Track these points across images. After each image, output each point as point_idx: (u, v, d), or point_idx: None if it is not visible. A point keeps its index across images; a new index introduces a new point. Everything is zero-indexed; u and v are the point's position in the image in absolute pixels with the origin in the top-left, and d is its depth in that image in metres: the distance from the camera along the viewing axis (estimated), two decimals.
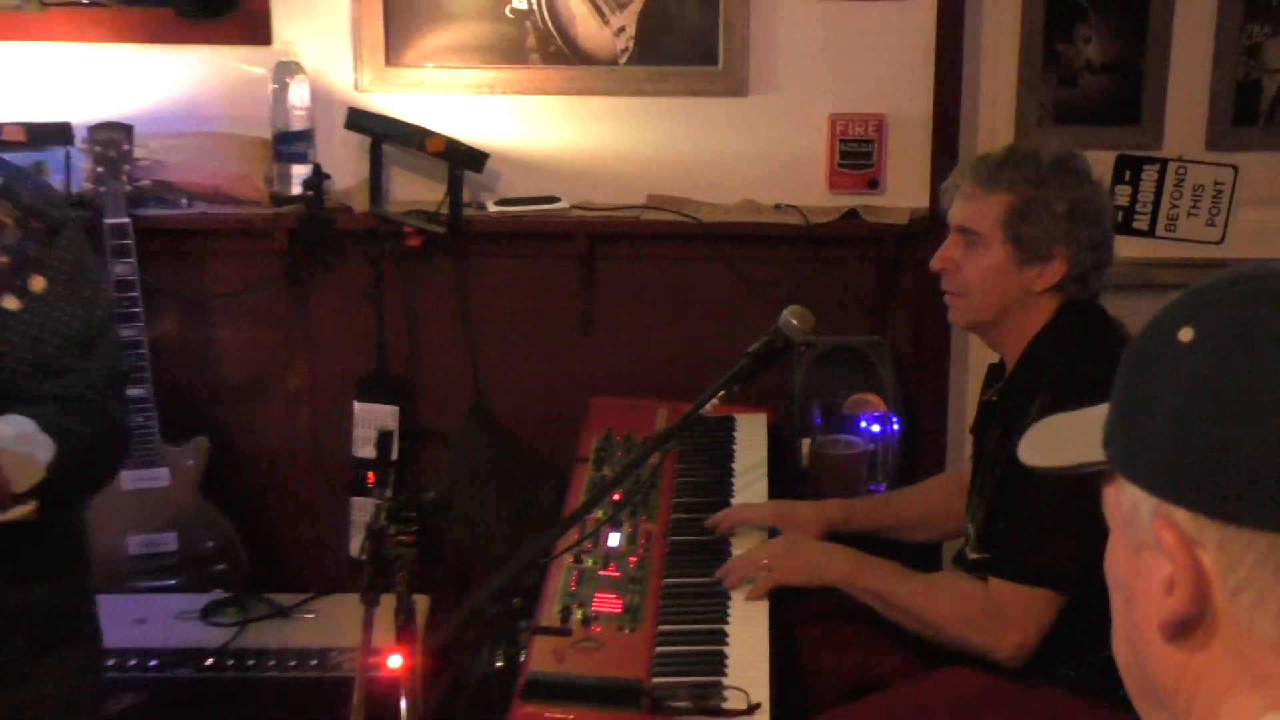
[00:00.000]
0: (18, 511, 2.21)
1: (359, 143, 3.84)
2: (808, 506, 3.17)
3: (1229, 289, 1.09)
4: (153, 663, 3.45)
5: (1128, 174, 3.73)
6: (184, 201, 3.90)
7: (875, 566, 2.78)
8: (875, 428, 3.66)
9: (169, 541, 3.81)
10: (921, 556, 3.43)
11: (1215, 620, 1.05)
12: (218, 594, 3.71)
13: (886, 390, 3.73)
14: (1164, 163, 3.76)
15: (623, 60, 3.80)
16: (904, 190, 3.80)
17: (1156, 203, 3.76)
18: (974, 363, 3.81)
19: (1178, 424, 1.06)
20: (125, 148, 3.69)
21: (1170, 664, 1.09)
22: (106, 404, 2.39)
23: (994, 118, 3.79)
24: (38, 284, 1.92)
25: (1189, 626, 1.07)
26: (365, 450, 3.92)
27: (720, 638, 2.66)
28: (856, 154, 3.78)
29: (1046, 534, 2.47)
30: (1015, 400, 2.62)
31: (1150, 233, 3.74)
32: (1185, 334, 1.07)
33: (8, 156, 3.48)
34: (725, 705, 2.41)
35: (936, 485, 3.32)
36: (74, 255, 2.36)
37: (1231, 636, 1.04)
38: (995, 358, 2.96)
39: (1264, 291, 1.07)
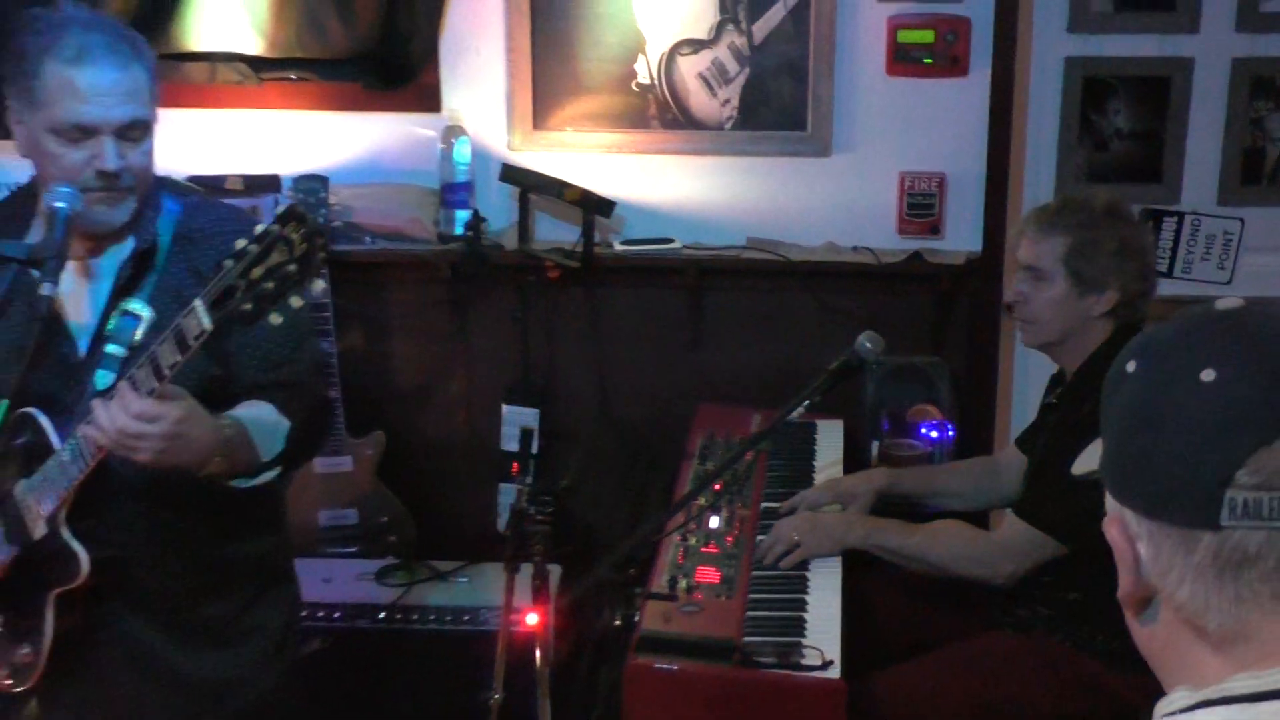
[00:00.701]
0: (266, 477, 2.32)
1: (511, 192, 3.98)
2: (857, 478, 3.27)
3: (1167, 329, 1.13)
4: (337, 615, 3.61)
5: (1150, 224, 3.77)
6: (368, 239, 4.04)
7: (885, 527, 2.92)
8: (934, 434, 3.76)
9: (351, 516, 3.97)
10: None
11: (1159, 598, 1.10)
12: (390, 560, 3.86)
13: (944, 402, 3.82)
14: (1181, 215, 3.84)
15: (728, 126, 3.92)
16: (961, 236, 3.90)
17: (1175, 249, 3.84)
18: (1018, 381, 3.95)
19: (1119, 439, 1.12)
20: (322, 195, 3.88)
21: (1142, 636, 1.15)
22: (316, 387, 2.50)
23: (1038, 176, 3.85)
24: (318, 286, 2.00)
25: (1142, 604, 1.13)
26: (511, 445, 3.96)
27: (801, 605, 2.76)
28: (921, 205, 3.88)
29: (1065, 500, 2.58)
30: (1071, 404, 2.75)
31: (1169, 274, 3.79)
32: (1131, 366, 1.12)
33: (229, 200, 3.70)
34: (804, 661, 2.53)
35: (977, 463, 3.45)
36: None
37: (1173, 611, 1.10)
38: (1040, 376, 3.10)
39: (1187, 331, 1.11)
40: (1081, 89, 3.82)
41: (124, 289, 2.29)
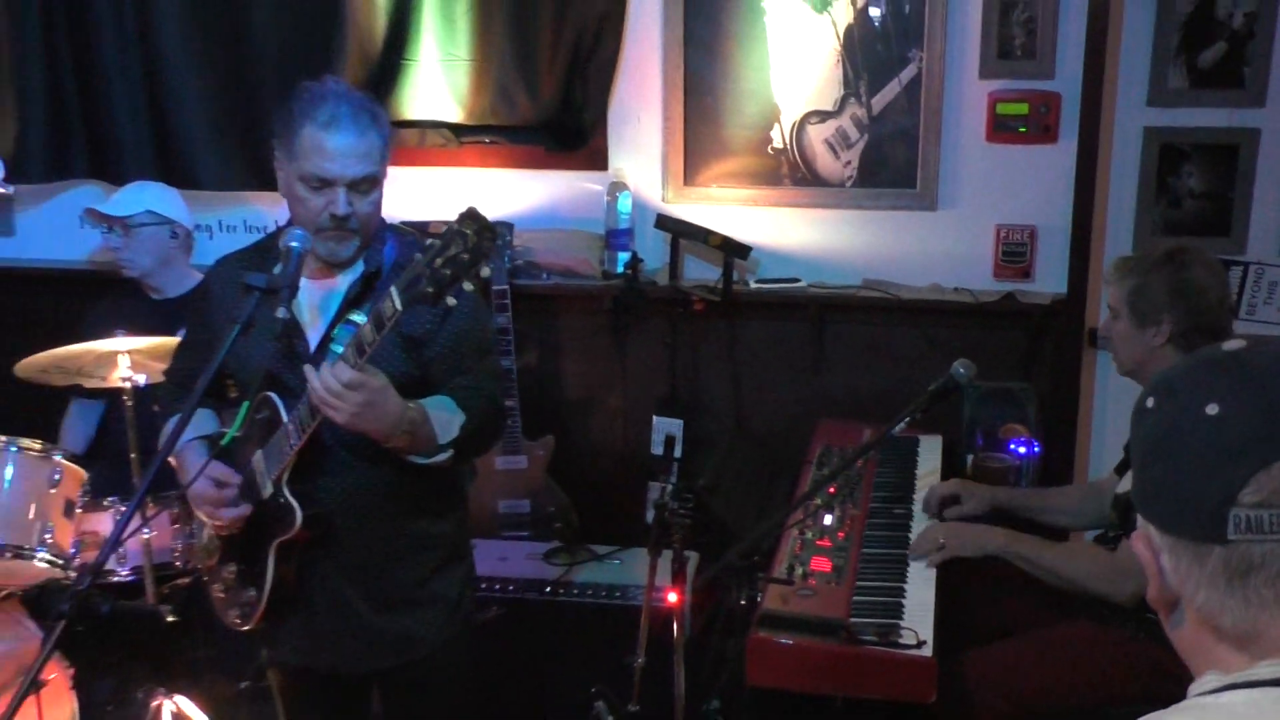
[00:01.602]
0: (440, 458, 2.35)
1: (664, 238, 4.10)
2: (982, 486, 3.32)
3: (1179, 368, 1.13)
4: (511, 587, 3.69)
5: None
6: (544, 275, 4.18)
7: (1023, 539, 2.91)
8: (1022, 449, 3.73)
9: (524, 506, 4.08)
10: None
11: (1181, 603, 1.11)
12: (555, 544, 3.94)
13: (1030, 422, 3.78)
14: (1246, 265, 3.82)
15: (848, 184, 3.99)
16: (1049, 279, 3.90)
17: (1240, 294, 3.80)
18: (1097, 404, 3.96)
19: (1141, 466, 1.13)
20: (508, 238, 4.01)
21: (1174, 637, 1.15)
22: (493, 394, 2.51)
23: (1118, 229, 3.86)
24: (486, 273, 2.04)
25: (1170, 608, 1.13)
26: (658, 449, 4.03)
27: (900, 592, 2.80)
28: (1014, 253, 3.91)
29: None
30: None
31: (1235, 316, 3.60)
32: (1150, 402, 1.13)
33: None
34: (901, 640, 2.58)
35: (1078, 488, 3.50)
36: (476, 301, 2.46)
37: (1194, 613, 1.10)
38: (1117, 400, 3.19)
39: (1195, 370, 1.11)
40: (1158, 155, 3.83)
41: (351, 303, 2.39)
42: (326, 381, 2.16)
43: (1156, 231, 3.88)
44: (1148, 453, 1.11)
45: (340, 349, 2.19)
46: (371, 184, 2.38)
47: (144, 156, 4.32)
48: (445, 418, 2.35)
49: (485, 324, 2.59)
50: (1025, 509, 3.29)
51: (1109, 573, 2.73)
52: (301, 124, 2.34)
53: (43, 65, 4.27)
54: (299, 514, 2.37)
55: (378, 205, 2.43)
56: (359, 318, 2.16)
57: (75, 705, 3.41)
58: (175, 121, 4.28)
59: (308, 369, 2.21)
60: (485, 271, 2.04)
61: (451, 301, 2.05)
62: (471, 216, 2.04)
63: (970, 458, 3.80)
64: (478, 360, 2.48)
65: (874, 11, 3.89)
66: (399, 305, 2.07)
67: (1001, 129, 3.87)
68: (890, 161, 3.99)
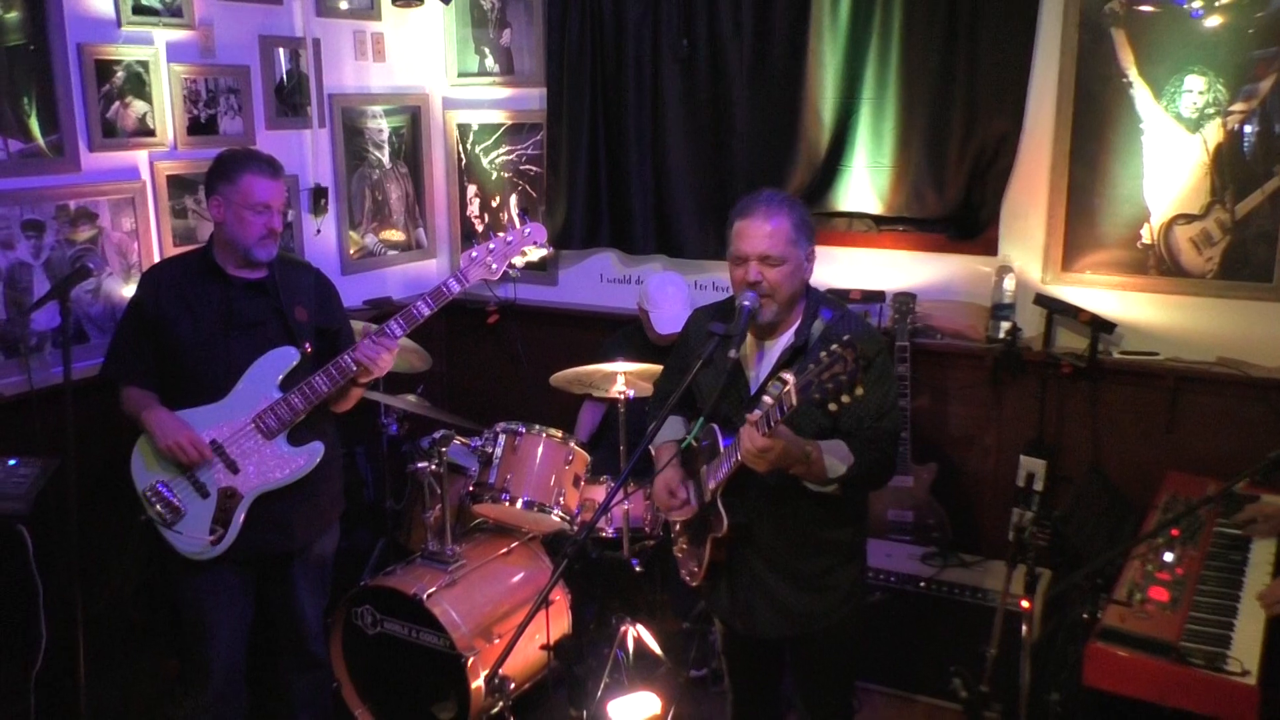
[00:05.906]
0: (829, 488, 2.38)
1: (1040, 312, 4.00)
2: None
3: None
4: (892, 579, 3.76)
5: None
6: (938, 336, 4.15)
7: None
8: None
9: (909, 516, 4.07)
10: None
11: None
12: (931, 549, 3.94)
13: None
14: None
15: (1209, 276, 3.77)
16: None
17: None
18: None
19: None
20: (911, 306, 4.05)
21: None
22: (885, 447, 2.44)
23: None
24: (859, 392, 2.05)
25: None
26: (1022, 482, 3.59)
27: (1229, 626, 2.66)
28: None
29: None
30: None
31: None
32: None
33: (852, 307, 3.62)
34: (1226, 667, 2.45)
35: None
36: (883, 369, 2.44)
37: None
38: None
39: None
40: None
41: (782, 365, 2.43)
42: (745, 445, 2.24)
43: None
44: None
45: (768, 399, 2.20)
46: (776, 260, 2.39)
47: (648, 232, 4.59)
48: (838, 459, 2.36)
49: (888, 391, 2.46)
50: None
51: None
52: (732, 221, 2.47)
53: (587, 167, 4.65)
54: (725, 520, 2.47)
55: (787, 277, 2.42)
56: (786, 375, 2.17)
57: (570, 621, 3.76)
58: (671, 207, 4.52)
59: (743, 430, 2.26)
60: (859, 392, 2.06)
61: (833, 408, 2.08)
62: (851, 346, 2.06)
63: None
64: (875, 420, 2.43)
65: (1247, 129, 3.63)
66: (794, 402, 2.13)
67: None
68: (1251, 259, 3.71)
